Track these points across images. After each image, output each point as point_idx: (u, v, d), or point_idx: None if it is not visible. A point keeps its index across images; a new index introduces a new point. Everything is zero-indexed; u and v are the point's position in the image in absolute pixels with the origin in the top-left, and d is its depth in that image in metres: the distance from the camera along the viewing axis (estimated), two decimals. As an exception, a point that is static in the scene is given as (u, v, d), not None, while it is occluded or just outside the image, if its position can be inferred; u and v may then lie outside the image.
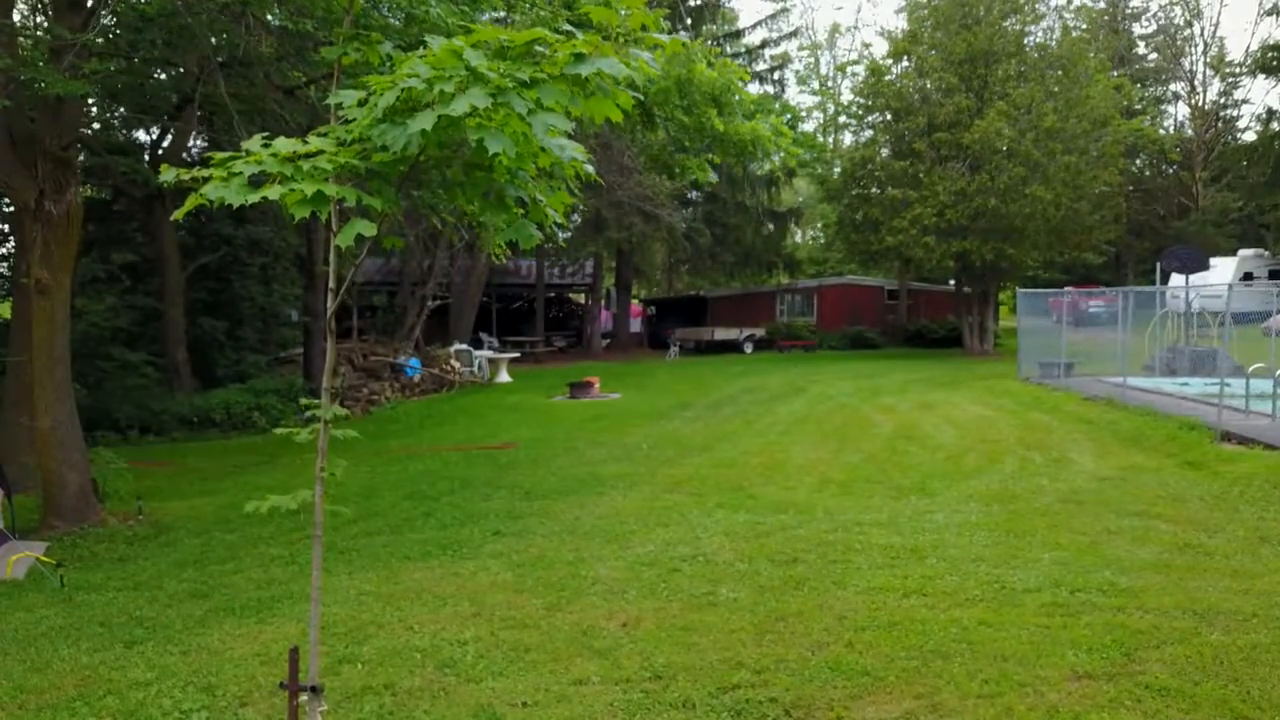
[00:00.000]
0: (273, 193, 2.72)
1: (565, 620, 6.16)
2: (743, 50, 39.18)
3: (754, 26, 41.83)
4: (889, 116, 33.42)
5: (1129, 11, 53.28)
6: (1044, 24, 32.97)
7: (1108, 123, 30.68)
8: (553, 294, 46.08)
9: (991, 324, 34.42)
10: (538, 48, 3.02)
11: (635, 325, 44.46)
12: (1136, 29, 53.61)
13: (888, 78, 33.38)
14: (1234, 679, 4.85)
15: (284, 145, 2.84)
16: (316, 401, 3.61)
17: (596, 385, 21.48)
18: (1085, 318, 25.74)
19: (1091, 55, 32.11)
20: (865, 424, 14.86)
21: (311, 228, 21.65)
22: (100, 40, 9.81)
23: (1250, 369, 13.64)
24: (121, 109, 19.49)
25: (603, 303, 41.36)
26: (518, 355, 29.34)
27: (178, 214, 3.07)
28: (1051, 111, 28.86)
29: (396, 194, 3.07)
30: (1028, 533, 7.82)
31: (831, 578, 6.81)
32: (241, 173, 2.78)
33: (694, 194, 39.51)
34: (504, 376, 26.13)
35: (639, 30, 3.24)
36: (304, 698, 3.73)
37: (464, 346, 27.90)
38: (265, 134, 2.94)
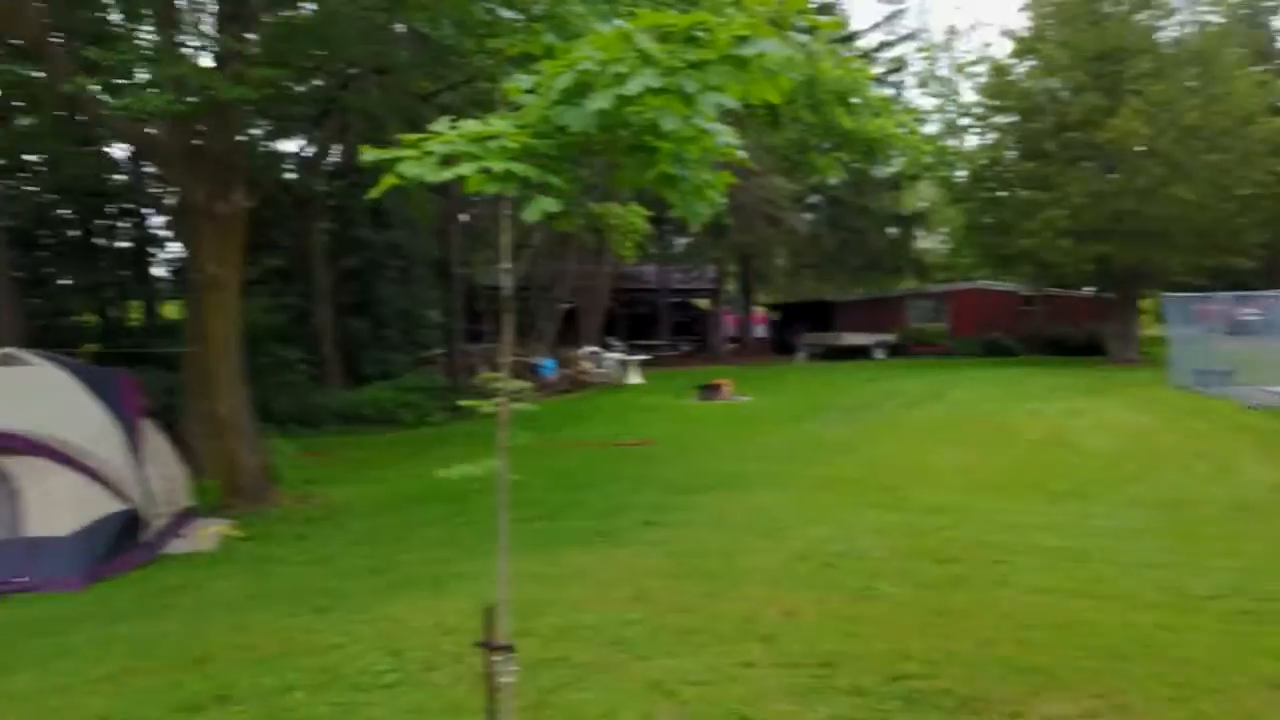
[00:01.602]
0: (465, 169, 2.93)
1: (726, 607, 6.26)
2: (858, 54, 38.65)
3: (870, 29, 41.25)
4: (1015, 116, 32.41)
5: (1266, 4, 50.02)
6: (1177, 18, 31.38)
7: (1253, 120, 28.94)
8: (677, 299, 46.35)
9: (1136, 331, 32.95)
10: (697, 32, 3.14)
11: (759, 331, 44.29)
12: (1275, 23, 50.24)
13: (1011, 77, 32.38)
14: None
15: (471, 127, 3.05)
16: (498, 375, 3.80)
17: (727, 388, 21.54)
18: (1240, 325, 24.39)
19: (1231, 50, 30.37)
20: (1011, 429, 14.49)
21: (447, 232, 22.43)
22: (256, 50, 10.45)
23: None
24: (266, 121, 20.65)
25: (726, 307, 41.39)
26: (647, 358, 29.66)
27: (374, 191, 3.32)
28: (1191, 108, 27.44)
29: (570, 174, 3.25)
30: (1201, 539, 7.54)
31: (993, 577, 6.71)
32: (434, 152, 3.00)
33: (815, 198, 39.16)
34: (635, 378, 26.45)
35: (794, 14, 3.33)
36: (498, 656, 3.93)
37: (595, 349, 28.38)
38: (451, 117, 3.17)
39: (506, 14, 9.90)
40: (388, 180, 3.23)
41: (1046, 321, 37.60)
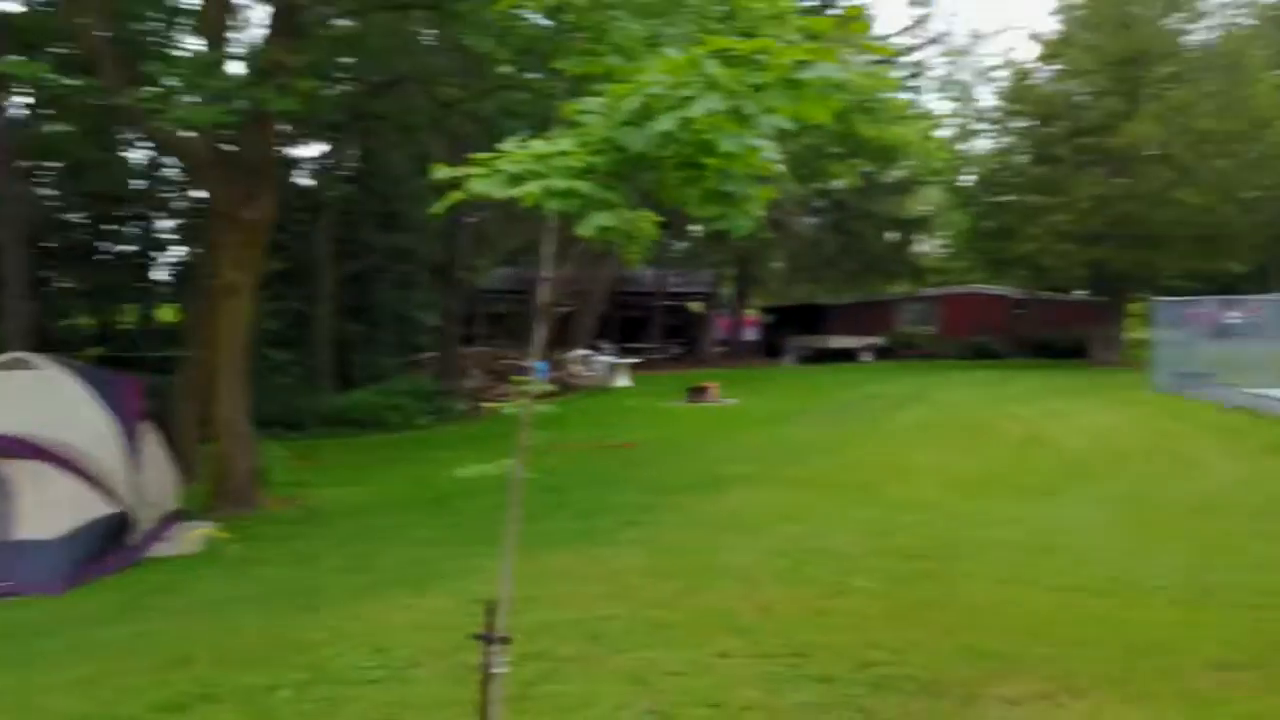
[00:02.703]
0: (532, 187, 3.12)
1: (703, 602, 6.46)
2: (880, 59, 38.75)
3: (898, 34, 41.42)
4: (1032, 121, 32.74)
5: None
6: (1206, 21, 31.80)
7: (1269, 124, 29.27)
8: (670, 302, 46.59)
9: (1121, 334, 33.32)
10: (759, 55, 3.34)
11: (750, 333, 44.52)
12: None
13: (1031, 81, 32.74)
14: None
15: (537, 147, 3.24)
16: (525, 378, 3.99)
17: (714, 390, 21.74)
18: (1224, 329, 24.72)
19: (1257, 52, 30.74)
20: (991, 430, 14.74)
21: (451, 235, 22.59)
22: (302, 62, 10.65)
23: None
24: (289, 127, 20.92)
25: (719, 311, 41.61)
26: (638, 361, 29.86)
27: (436, 209, 3.51)
28: (1207, 113, 27.79)
29: (624, 190, 3.44)
30: (1159, 534, 7.79)
31: (961, 571, 6.94)
32: (503, 170, 3.19)
33: (819, 201, 39.41)
34: (624, 381, 26.65)
35: (856, 38, 3.54)
36: (495, 648, 4.11)
37: (586, 352, 28.59)
38: (520, 136, 3.36)
39: (543, 22, 10.16)
40: (453, 195, 3.42)
41: (1036, 325, 37.94)
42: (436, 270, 26.38)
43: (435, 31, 12.84)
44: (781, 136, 3.36)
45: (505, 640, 4.10)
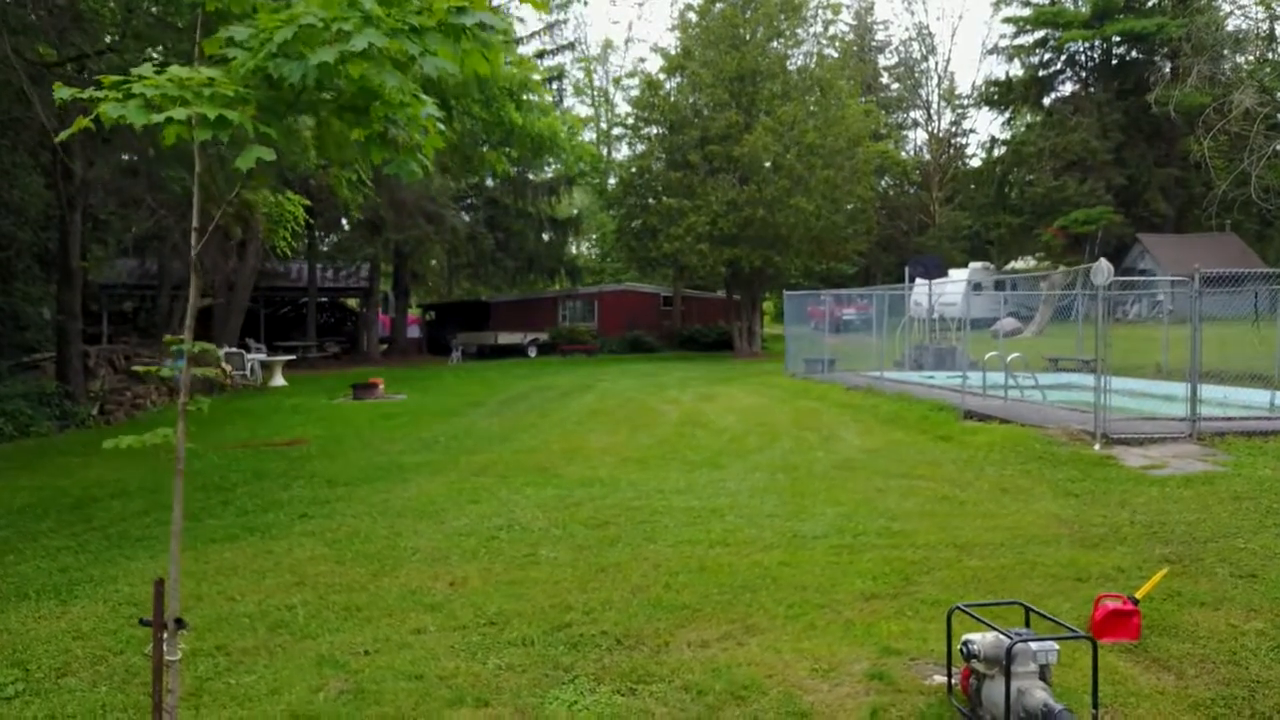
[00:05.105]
0: (178, 114, 2.82)
1: (392, 583, 6.31)
2: (519, 59, 39.55)
3: (530, 37, 42.46)
4: (665, 129, 34.91)
5: (874, 44, 58.29)
6: (804, 49, 35.63)
7: (860, 142, 33.48)
8: (325, 298, 44.59)
9: (758, 327, 36.64)
10: None
11: (413, 331, 43.78)
12: (881, 60, 58.74)
13: (663, 92, 34.85)
14: (989, 590, 5.73)
15: (178, 72, 2.95)
16: (180, 338, 3.69)
17: (381, 386, 21.14)
18: (842, 323, 28.01)
19: (844, 81, 34.97)
20: (654, 414, 15.61)
21: (66, 219, 19.99)
22: None
23: (985, 357, 15.47)
24: None
25: (379, 307, 40.46)
26: (293, 359, 28.30)
27: (63, 135, 3.10)
28: (812, 129, 31.19)
29: (282, 127, 3.23)
30: (810, 493, 8.67)
31: (642, 535, 7.31)
32: (140, 94, 2.86)
33: (471, 199, 39.52)
34: (279, 380, 25.20)
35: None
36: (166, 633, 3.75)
37: (235, 350, 26.62)
38: (156, 62, 3.04)
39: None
40: (81, 121, 3.04)
41: (683, 320, 40.77)
42: (45, 260, 23.25)
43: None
44: (442, 102, 3.36)
45: (180, 624, 3.77)
